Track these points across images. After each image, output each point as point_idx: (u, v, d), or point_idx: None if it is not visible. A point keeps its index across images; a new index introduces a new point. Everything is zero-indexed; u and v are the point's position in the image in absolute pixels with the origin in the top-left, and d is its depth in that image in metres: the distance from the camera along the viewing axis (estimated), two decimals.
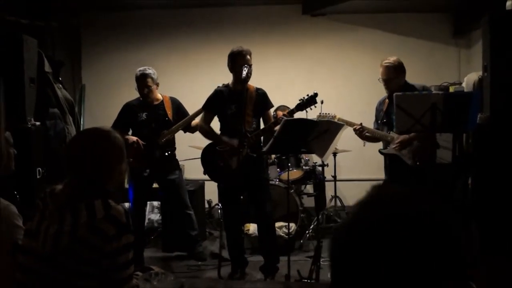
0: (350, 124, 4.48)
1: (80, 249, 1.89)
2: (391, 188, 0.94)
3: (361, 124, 4.46)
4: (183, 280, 4.37)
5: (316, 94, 4.13)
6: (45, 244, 1.92)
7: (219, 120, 4.53)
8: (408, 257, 0.81)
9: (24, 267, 1.99)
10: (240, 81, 4.27)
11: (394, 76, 4.37)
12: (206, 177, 4.56)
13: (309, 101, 4.14)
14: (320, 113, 4.80)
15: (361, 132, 4.43)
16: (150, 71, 4.90)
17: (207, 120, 4.50)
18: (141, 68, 4.94)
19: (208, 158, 4.47)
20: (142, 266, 2.40)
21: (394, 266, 0.81)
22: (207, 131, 4.48)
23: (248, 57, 4.30)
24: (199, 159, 4.52)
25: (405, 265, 0.81)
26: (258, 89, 4.47)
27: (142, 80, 4.88)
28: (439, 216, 0.86)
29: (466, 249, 0.86)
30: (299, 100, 4.18)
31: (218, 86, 4.50)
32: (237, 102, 4.34)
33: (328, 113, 4.79)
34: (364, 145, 4.75)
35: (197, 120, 4.83)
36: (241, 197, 4.75)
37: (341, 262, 0.87)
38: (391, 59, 4.42)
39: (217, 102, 4.43)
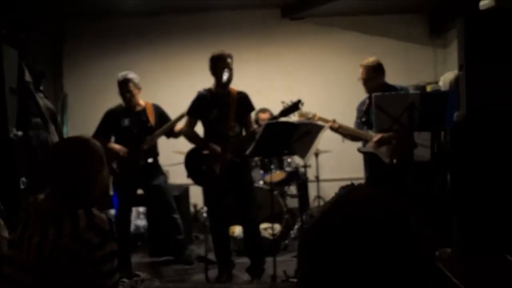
0: (324, 120, 4.56)
1: (64, 259, 1.90)
2: (359, 189, 0.96)
3: (334, 120, 4.52)
4: (170, 285, 4.43)
5: (299, 101, 4.17)
6: (29, 254, 1.94)
7: (203, 125, 4.56)
8: (372, 258, 0.83)
9: (9, 278, 2.00)
10: (221, 85, 4.33)
11: (373, 76, 4.47)
12: (191, 181, 4.60)
13: (292, 108, 4.19)
14: (300, 111, 4.82)
15: (336, 129, 4.51)
16: (132, 75, 4.92)
17: (191, 125, 4.55)
18: (123, 73, 4.95)
19: (191, 162, 4.49)
20: (129, 273, 2.43)
21: (358, 268, 0.83)
22: (191, 136, 4.53)
23: (229, 60, 4.37)
24: (183, 164, 4.55)
25: (369, 267, 0.83)
26: (239, 92, 4.50)
27: (124, 85, 4.89)
28: (405, 218, 0.88)
29: (431, 247, 0.89)
30: (282, 102, 4.22)
31: (200, 91, 4.53)
32: (219, 106, 4.40)
33: (308, 112, 4.84)
34: (343, 141, 4.80)
35: (180, 125, 4.86)
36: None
37: (308, 263, 0.89)
38: (370, 59, 4.52)
39: (200, 106, 4.47)
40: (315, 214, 0.97)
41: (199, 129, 4.59)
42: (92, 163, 2.06)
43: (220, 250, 4.60)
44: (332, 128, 4.53)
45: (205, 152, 4.39)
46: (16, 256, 1.99)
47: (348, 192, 0.95)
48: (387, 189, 0.94)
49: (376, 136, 4.38)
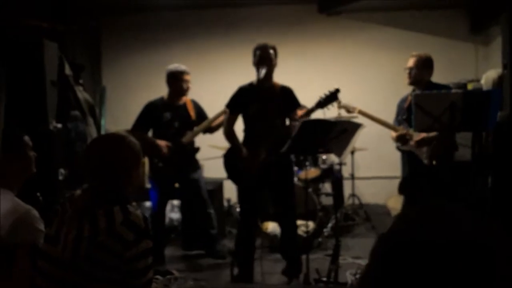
0: (365, 115, 4.46)
1: (100, 255, 1.92)
2: (447, 209, 0.86)
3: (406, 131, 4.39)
4: (203, 284, 4.43)
5: (337, 90, 3.97)
6: (65, 250, 1.96)
7: (243, 120, 4.41)
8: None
9: (43, 273, 2.03)
10: (260, 79, 4.17)
11: (420, 67, 4.35)
12: (225, 176, 4.58)
13: (330, 98, 3.98)
14: (340, 103, 4.73)
15: (405, 137, 4.38)
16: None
17: (231, 121, 4.37)
18: (176, 65, 4.95)
19: (229, 161, 4.40)
20: (162, 270, 2.43)
21: None
22: (229, 136, 4.36)
23: (271, 51, 4.18)
24: (218, 159, 4.52)
25: None
26: (284, 87, 4.34)
27: (183, 75, 4.90)
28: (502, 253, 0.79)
29: None
30: (319, 97, 4.02)
31: (241, 85, 4.38)
32: (260, 101, 4.23)
33: (348, 104, 4.77)
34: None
35: (219, 120, 4.84)
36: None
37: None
38: (422, 52, 4.43)
39: (240, 101, 4.32)
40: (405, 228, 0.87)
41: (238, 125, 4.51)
42: (128, 161, 2.07)
43: (243, 250, 4.43)
44: (402, 137, 4.41)
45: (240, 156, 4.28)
46: (51, 251, 2.01)
47: (438, 210, 0.86)
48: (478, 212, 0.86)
49: (418, 136, 4.28)
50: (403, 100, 4.58)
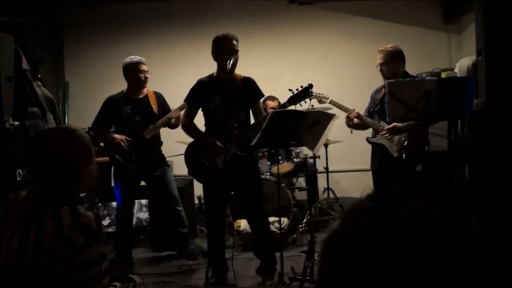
0: (344, 109, 4.34)
1: (47, 262, 1.74)
2: (403, 197, 0.79)
3: (355, 111, 4.32)
4: (174, 286, 4.24)
5: (310, 86, 3.84)
6: (8, 257, 1.77)
7: (203, 114, 4.23)
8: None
9: None
10: (225, 71, 3.98)
11: (390, 61, 4.21)
12: None
13: (303, 94, 3.85)
14: (312, 94, 4.58)
15: (357, 117, 4.29)
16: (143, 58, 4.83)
17: (190, 115, 4.19)
18: (132, 56, 4.83)
19: (191, 157, 4.17)
20: (122, 276, 2.25)
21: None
22: (189, 129, 4.16)
23: (235, 42, 4.00)
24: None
25: None
26: (245, 78, 4.16)
27: (139, 65, 4.77)
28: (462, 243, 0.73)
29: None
30: (291, 91, 3.89)
31: (200, 78, 4.22)
32: (221, 94, 4.04)
33: (321, 94, 4.61)
34: (351, 133, 4.59)
35: (179, 115, 4.64)
36: (232, 192, 4.58)
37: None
38: (389, 45, 4.29)
39: (199, 94, 4.13)
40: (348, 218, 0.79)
41: (198, 119, 4.31)
42: (77, 157, 1.87)
43: (215, 253, 4.25)
44: (351, 118, 4.29)
45: (206, 146, 4.08)
46: None
47: (393, 200, 0.77)
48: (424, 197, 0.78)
49: (390, 125, 4.15)
50: (377, 91, 4.46)
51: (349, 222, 0.77)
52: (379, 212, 0.75)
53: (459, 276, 0.68)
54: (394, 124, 4.12)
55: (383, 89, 4.31)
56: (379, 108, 4.31)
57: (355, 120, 4.31)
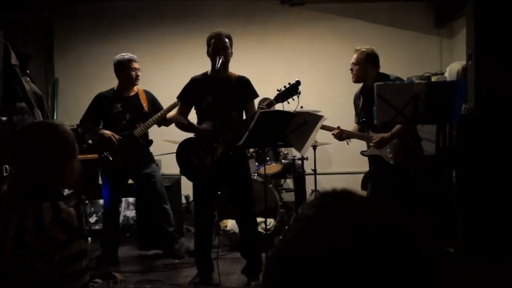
0: (327, 128, 4.28)
1: (27, 258, 1.71)
2: (354, 199, 0.75)
3: (338, 127, 4.23)
4: (158, 286, 4.21)
5: (298, 83, 3.79)
6: None
7: (196, 113, 4.19)
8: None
9: None
10: (214, 70, 3.95)
11: (362, 62, 4.13)
12: None
13: (290, 91, 3.80)
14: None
15: (340, 135, 4.21)
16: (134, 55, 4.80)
17: (183, 112, 4.17)
18: (124, 53, 4.80)
19: (182, 156, 4.15)
20: (104, 272, 2.23)
21: None
22: (181, 123, 4.12)
23: (225, 39, 3.96)
24: (175, 154, 4.30)
25: None
26: (240, 77, 4.13)
27: (131, 62, 4.74)
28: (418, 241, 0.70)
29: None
30: (278, 91, 3.85)
31: (194, 75, 4.19)
32: (214, 92, 3.99)
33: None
34: (348, 144, 4.52)
35: (172, 113, 4.62)
36: (219, 192, 4.55)
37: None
38: (366, 46, 4.23)
39: (192, 92, 4.10)
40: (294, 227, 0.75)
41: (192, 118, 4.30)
42: (59, 152, 1.85)
43: (201, 253, 4.24)
44: (337, 136, 4.22)
45: (196, 140, 4.06)
46: None
47: (343, 201, 0.74)
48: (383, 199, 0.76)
49: (376, 137, 4.09)
50: (357, 97, 4.38)
51: (291, 232, 0.74)
52: (321, 218, 0.72)
53: (412, 275, 0.66)
54: (380, 136, 4.07)
55: (361, 96, 4.27)
56: (365, 119, 4.22)
57: (343, 135, 4.23)
